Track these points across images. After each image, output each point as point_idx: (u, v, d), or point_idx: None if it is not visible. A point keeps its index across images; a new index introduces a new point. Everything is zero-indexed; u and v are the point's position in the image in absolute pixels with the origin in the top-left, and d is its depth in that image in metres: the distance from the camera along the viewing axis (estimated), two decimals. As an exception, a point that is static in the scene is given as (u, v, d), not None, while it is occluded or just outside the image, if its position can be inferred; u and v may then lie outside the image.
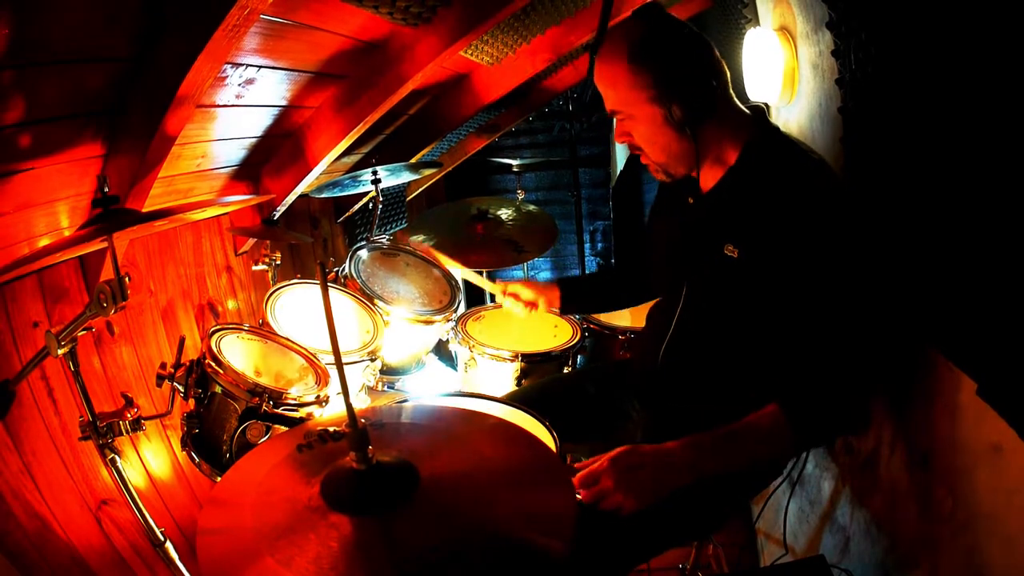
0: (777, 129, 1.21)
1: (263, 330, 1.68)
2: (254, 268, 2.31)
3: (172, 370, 1.42)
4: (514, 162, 3.36)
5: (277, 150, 2.06)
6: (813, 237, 1.09)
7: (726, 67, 1.20)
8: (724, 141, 1.20)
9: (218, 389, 1.41)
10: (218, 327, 1.55)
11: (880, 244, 1.14)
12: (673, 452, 1.10)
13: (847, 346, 1.11)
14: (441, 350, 2.34)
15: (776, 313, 1.14)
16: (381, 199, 2.31)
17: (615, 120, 1.23)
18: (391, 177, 2.35)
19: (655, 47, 1.12)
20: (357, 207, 2.94)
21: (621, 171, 3.66)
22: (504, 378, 2.02)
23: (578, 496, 1.10)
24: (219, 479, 1.25)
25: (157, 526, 1.33)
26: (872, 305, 1.13)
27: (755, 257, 1.14)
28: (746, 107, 1.23)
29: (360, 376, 1.80)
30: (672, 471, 1.09)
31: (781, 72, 1.69)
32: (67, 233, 1.50)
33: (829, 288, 1.09)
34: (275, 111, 1.81)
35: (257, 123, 1.82)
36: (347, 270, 2.02)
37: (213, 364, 1.40)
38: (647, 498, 1.08)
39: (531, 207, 2.76)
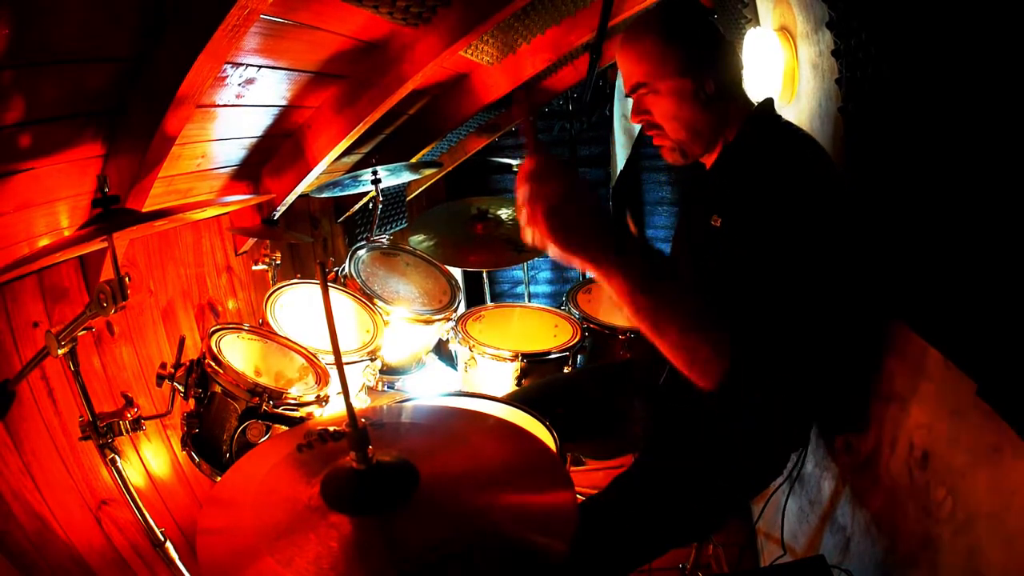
0: (779, 116, 1.25)
1: (263, 330, 1.68)
2: (254, 268, 2.31)
3: (172, 370, 1.42)
4: (514, 162, 3.36)
5: (277, 150, 2.06)
6: (778, 207, 1.06)
7: None
8: (732, 122, 1.25)
9: (218, 389, 1.41)
10: (218, 327, 1.55)
11: (881, 242, 1.14)
12: (602, 223, 0.92)
13: (800, 318, 1.04)
14: (441, 350, 2.34)
15: (746, 280, 1.10)
16: (381, 199, 2.31)
17: (634, 98, 1.26)
18: (391, 177, 2.35)
19: (690, 24, 1.19)
20: (357, 207, 2.94)
21: (621, 171, 3.65)
22: (504, 378, 2.02)
23: (579, 497, 1.10)
24: (219, 479, 1.25)
25: (157, 526, 1.33)
26: (839, 291, 1.11)
27: (732, 226, 1.16)
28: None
29: (360, 376, 1.80)
30: (587, 227, 0.91)
31: (781, 72, 1.69)
32: (67, 233, 1.50)
33: (786, 256, 1.04)
34: (275, 111, 1.81)
35: (257, 123, 1.82)
36: (347, 270, 2.02)
37: (213, 364, 1.40)
38: (548, 224, 0.89)
39: (531, 207, 2.75)
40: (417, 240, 2.51)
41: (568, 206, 0.89)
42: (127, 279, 1.14)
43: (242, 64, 1.44)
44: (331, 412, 1.51)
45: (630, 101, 1.27)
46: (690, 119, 1.22)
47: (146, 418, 1.32)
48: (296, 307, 1.86)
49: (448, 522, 0.75)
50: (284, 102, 1.79)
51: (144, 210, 1.50)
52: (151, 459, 1.86)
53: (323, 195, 2.31)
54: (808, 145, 1.18)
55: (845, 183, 1.19)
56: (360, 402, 1.81)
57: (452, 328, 2.14)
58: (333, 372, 1.61)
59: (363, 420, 0.78)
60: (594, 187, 4.12)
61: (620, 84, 3.30)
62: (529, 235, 0.92)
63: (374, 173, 2.20)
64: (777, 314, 1.05)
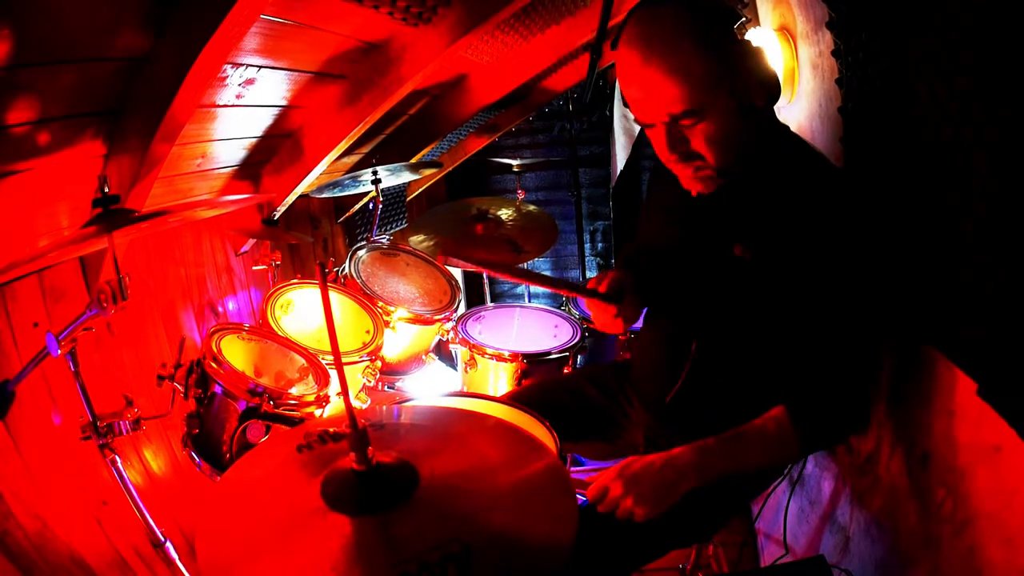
0: (787, 128, 1.19)
1: (263, 330, 1.68)
2: (254, 268, 2.31)
3: (172, 370, 1.42)
4: (514, 162, 3.35)
5: (277, 150, 2.06)
6: (826, 239, 1.07)
7: None
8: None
9: (218, 389, 1.41)
10: (218, 327, 1.55)
11: (881, 244, 1.14)
12: (678, 456, 1.10)
13: (854, 350, 1.09)
14: (441, 350, 2.34)
15: (784, 315, 1.13)
16: (381, 199, 2.31)
17: (669, 128, 1.05)
18: (391, 177, 2.35)
19: (725, 31, 1.01)
20: (357, 207, 2.94)
21: (621, 171, 3.65)
22: (504, 378, 2.02)
23: (580, 498, 1.10)
24: (219, 479, 1.25)
25: (157, 526, 1.33)
26: (875, 307, 1.12)
27: (766, 258, 1.12)
28: None
29: (360, 376, 1.80)
30: (678, 474, 1.09)
31: (781, 72, 1.68)
32: (67, 233, 1.50)
33: (839, 290, 1.07)
34: (275, 111, 1.81)
35: (257, 123, 1.82)
36: (347, 270, 2.03)
37: (213, 364, 1.40)
38: (657, 503, 1.07)
39: (531, 207, 2.76)
40: (417, 240, 2.51)
41: (661, 495, 1.07)
42: (127, 279, 1.14)
43: (242, 64, 1.44)
44: (331, 412, 1.51)
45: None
46: (739, 141, 1.06)
47: (146, 418, 1.32)
48: (296, 307, 1.86)
49: (448, 522, 0.75)
50: (284, 102, 1.79)
51: (144, 210, 1.50)
52: (151, 459, 1.86)
53: (323, 195, 2.31)
54: (828, 164, 1.15)
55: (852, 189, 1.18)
56: (360, 403, 1.81)
57: (452, 328, 2.14)
58: (333, 372, 1.61)
59: (363, 420, 0.78)
60: (594, 187, 4.13)
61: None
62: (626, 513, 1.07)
63: (374, 173, 2.20)
64: (837, 349, 1.09)
